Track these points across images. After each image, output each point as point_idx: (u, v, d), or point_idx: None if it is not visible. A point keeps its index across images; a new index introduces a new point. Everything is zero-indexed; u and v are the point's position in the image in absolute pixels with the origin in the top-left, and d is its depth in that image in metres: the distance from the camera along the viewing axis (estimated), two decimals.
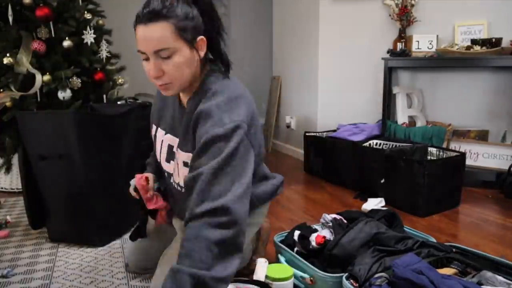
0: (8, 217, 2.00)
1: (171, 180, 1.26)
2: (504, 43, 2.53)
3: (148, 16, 0.98)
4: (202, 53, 1.09)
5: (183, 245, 0.87)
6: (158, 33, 0.99)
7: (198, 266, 0.83)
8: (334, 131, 2.98)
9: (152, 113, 1.32)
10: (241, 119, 1.02)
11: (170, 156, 1.22)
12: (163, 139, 1.25)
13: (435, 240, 1.40)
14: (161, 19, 0.99)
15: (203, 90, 1.10)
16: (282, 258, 1.42)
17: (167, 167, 1.26)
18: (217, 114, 1.01)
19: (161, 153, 1.26)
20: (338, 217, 1.51)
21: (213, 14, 1.09)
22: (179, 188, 1.22)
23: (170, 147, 1.22)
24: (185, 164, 1.13)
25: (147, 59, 1.04)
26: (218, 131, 0.97)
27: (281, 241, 1.49)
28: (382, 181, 2.31)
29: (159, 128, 1.27)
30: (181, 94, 1.18)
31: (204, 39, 1.07)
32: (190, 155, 1.08)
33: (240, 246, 0.91)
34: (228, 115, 1.01)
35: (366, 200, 2.27)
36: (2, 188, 2.55)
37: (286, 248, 1.42)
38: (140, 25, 1.00)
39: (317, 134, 3.02)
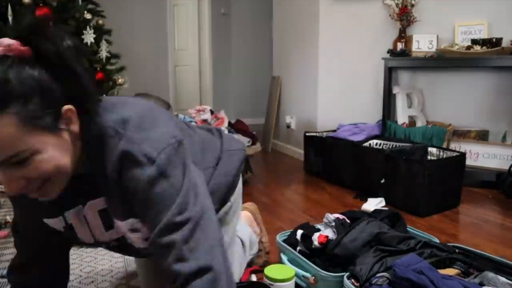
0: (8, 217, 2.00)
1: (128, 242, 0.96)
2: (504, 43, 2.52)
3: None
4: (75, 128, 0.74)
5: None
6: None
7: None
8: (334, 131, 2.98)
9: (33, 213, 0.93)
10: (168, 136, 0.79)
11: (107, 222, 0.90)
12: (81, 216, 0.90)
13: (438, 241, 1.40)
14: None
15: (99, 137, 0.78)
16: (284, 257, 1.42)
17: (106, 237, 0.94)
18: (137, 149, 0.76)
19: (92, 231, 0.93)
20: (341, 216, 1.51)
21: (73, 67, 0.70)
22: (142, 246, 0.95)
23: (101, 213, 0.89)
24: (134, 230, 0.88)
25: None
26: (151, 172, 0.75)
27: (284, 241, 1.49)
28: (382, 181, 2.31)
29: (63, 215, 0.91)
30: None
31: (73, 108, 0.72)
32: (132, 220, 0.85)
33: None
34: (148, 143, 0.76)
35: (366, 200, 2.27)
36: (2, 188, 2.55)
37: (289, 248, 1.42)
38: None
39: (317, 134, 3.02)
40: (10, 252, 1.70)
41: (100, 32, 2.68)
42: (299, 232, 1.47)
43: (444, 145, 2.72)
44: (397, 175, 2.23)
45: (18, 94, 0.64)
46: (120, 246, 0.98)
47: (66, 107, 0.71)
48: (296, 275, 1.29)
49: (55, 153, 0.70)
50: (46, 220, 0.93)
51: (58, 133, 0.71)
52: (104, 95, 0.84)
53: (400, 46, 2.86)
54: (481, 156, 2.68)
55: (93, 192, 0.85)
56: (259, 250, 1.51)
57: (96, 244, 0.99)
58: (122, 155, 0.76)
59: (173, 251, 0.75)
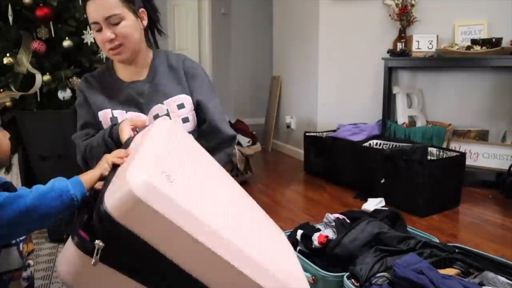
0: None
1: None
2: (504, 43, 2.53)
3: None
4: (144, 23, 1.27)
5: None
6: (107, 1, 1.15)
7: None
8: (334, 131, 2.98)
9: (94, 103, 1.29)
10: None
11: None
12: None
13: (438, 241, 1.40)
14: None
15: (162, 55, 1.35)
16: None
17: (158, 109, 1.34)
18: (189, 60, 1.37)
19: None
20: (341, 216, 1.51)
21: None
22: None
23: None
24: (180, 106, 1.30)
25: (99, 29, 1.18)
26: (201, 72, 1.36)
27: None
28: (382, 181, 2.31)
29: (116, 111, 1.27)
30: (130, 72, 1.30)
31: (145, 11, 1.27)
32: (182, 96, 1.30)
33: None
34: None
35: (366, 200, 2.27)
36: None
37: None
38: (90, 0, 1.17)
39: (317, 134, 3.02)
40: None
41: None
42: (299, 232, 1.47)
43: (444, 145, 2.72)
44: (397, 175, 2.23)
45: None
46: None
47: (142, 8, 1.26)
48: None
49: (132, 25, 1.20)
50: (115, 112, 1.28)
51: (136, 18, 1.22)
52: None
53: (400, 46, 2.86)
54: (481, 156, 2.68)
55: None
56: None
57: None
58: (182, 56, 1.38)
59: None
